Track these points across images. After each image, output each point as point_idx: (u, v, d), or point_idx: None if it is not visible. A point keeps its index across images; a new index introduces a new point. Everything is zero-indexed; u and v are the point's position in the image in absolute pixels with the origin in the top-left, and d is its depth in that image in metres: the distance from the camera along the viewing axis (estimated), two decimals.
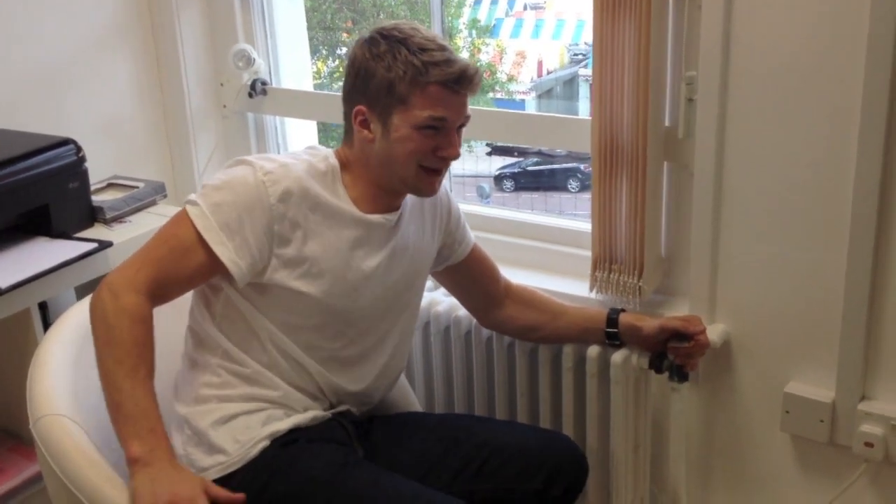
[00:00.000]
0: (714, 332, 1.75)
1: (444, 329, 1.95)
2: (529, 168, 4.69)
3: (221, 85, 2.40)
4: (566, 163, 4.33)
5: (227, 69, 2.35)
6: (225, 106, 2.41)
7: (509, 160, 4.54)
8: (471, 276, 1.76)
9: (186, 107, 2.37)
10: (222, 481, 1.43)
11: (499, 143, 4.12)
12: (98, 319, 1.40)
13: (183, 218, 1.44)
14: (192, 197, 1.46)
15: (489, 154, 4.27)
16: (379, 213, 1.54)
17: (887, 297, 1.60)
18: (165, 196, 2.17)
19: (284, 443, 1.48)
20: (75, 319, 1.62)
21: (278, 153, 2.45)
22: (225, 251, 1.43)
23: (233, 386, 1.51)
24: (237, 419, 1.49)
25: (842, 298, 1.62)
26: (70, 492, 1.40)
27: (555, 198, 4.86)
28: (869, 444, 1.65)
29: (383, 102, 1.47)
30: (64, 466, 1.41)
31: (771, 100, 1.60)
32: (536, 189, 4.71)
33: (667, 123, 1.73)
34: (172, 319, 1.59)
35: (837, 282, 1.61)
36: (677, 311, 1.81)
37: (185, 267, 1.44)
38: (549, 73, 4.40)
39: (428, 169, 1.50)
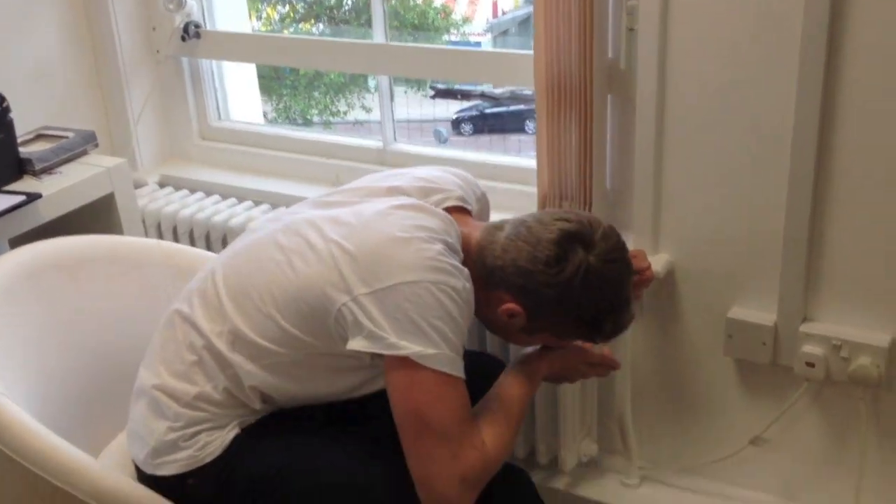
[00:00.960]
0: (658, 263, 1.78)
1: None
2: (487, 111, 4.67)
3: (154, 29, 2.32)
4: (511, 104, 4.33)
5: (159, 12, 2.28)
6: (158, 51, 2.34)
7: (454, 104, 4.52)
8: None
9: (117, 53, 2.29)
10: (189, 473, 1.43)
11: (442, 86, 4.10)
12: (488, 473, 1.38)
13: (446, 381, 1.32)
14: (428, 351, 1.30)
15: (433, 97, 4.25)
16: None
17: (827, 220, 1.63)
18: (97, 146, 2.10)
19: (252, 428, 1.46)
20: None
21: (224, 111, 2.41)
22: (463, 366, 1.37)
23: (240, 407, 1.45)
24: (228, 426, 1.45)
25: (783, 222, 1.65)
26: (13, 461, 1.40)
27: (513, 140, 4.86)
28: (810, 365, 1.70)
29: (543, 327, 1.46)
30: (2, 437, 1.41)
31: (712, 28, 1.61)
32: (495, 132, 4.70)
33: (610, 55, 1.73)
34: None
35: (779, 206, 1.64)
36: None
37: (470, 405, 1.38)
38: (504, 13, 4.36)
39: None
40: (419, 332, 1.30)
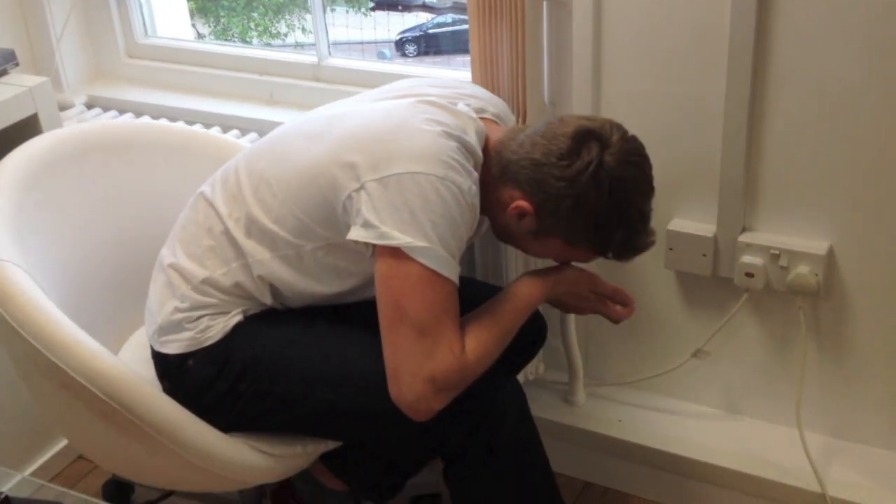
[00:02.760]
0: None
1: None
2: (431, 31, 4.57)
3: None
4: (455, 15, 4.23)
5: None
6: None
7: (397, 25, 4.41)
8: None
9: None
10: (190, 354, 1.44)
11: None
12: (457, 393, 1.33)
13: (432, 277, 1.28)
14: (418, 243, 1.27)
15: (372, 9, 4.13)
16: None
17: (765, 130, 1.61)
18: (17, 65, 2.00)
19: (255, 316, 1.45)
20: (13, 166, 1.59)
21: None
22: (457, 275, 1.33)
23: (248, 298, 1.44)
24: (231, 312, 1.45)
25: (721, 132, 1.62)
26: (17, 333, 1.40)
27: (458, 60, 4.75)
28: (749, 275, 1.69)
29: (553, 229, 1.38)
30: (9, 308, 1.41)
31: None
32: (440, 52, 4.61)
33: None
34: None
35: (717, 115, 1.61)
36: None
37: (458, 310, 1.34)
38: None
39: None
40: (414, 224, 1.27)
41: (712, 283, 1.77)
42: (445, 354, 1.29)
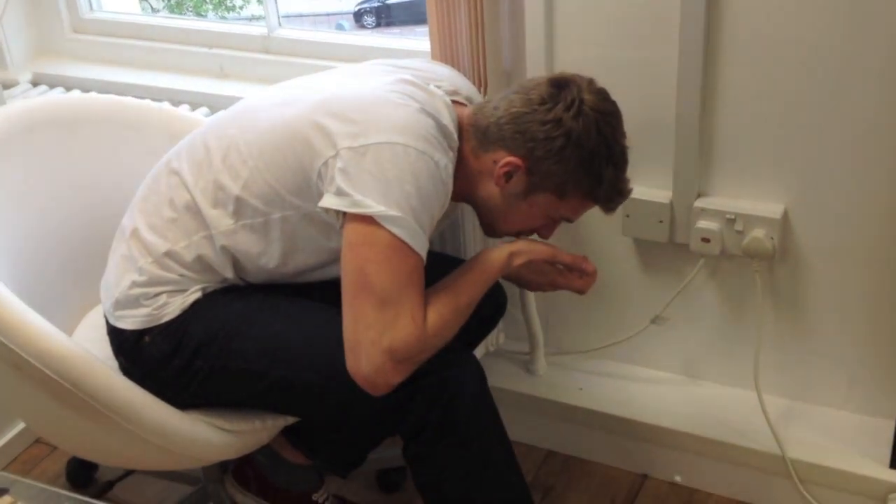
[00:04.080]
0: None
1: None
2: (389, 1, 4.52)
3: None
4: None
5: None
6: None
7: None
8: None
9: None
10: (146, 331, 1.41)
11: None
12: (414, 367, 1.30)
13: (401, 247, 1.26)
14: (391, 212, 1.24)
15: None
16: None
17: (718, 95, 1.60)
18: None
19: (213, 294, 1.43)
20: None
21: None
22: (426, 250, 1.31)
23: (208, 273, 1.42)
24: (190, 290, 1.42)
25: (674, 97, 1.61)
26: None
27: (418, 31, 4.69)
28: (706, 240, 1.69)
29: (545, 182, 1.36)
30: None
31: None
32: (399, 23, 4.56)
33: None
34: None
35: (670, 81, 1.61)
36: None
37: (423, 284, 1.31)
38: None
39: (518, 234, 1.46)
40: (389, 194, 1.25)
41: (669, 249, 1.78)
42: (407, 324, 1.26)
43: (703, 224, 1.68)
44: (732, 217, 1.66)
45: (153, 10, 3.16)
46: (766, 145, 1.61)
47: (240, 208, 1.37)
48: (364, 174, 1.26)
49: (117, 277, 1.44)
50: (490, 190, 1.40)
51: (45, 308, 1.43)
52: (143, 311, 1.41)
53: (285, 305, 1.44)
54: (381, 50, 1.98)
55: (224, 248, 1.39)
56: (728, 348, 1.85)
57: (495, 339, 1.99)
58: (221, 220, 1.38)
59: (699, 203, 1.69)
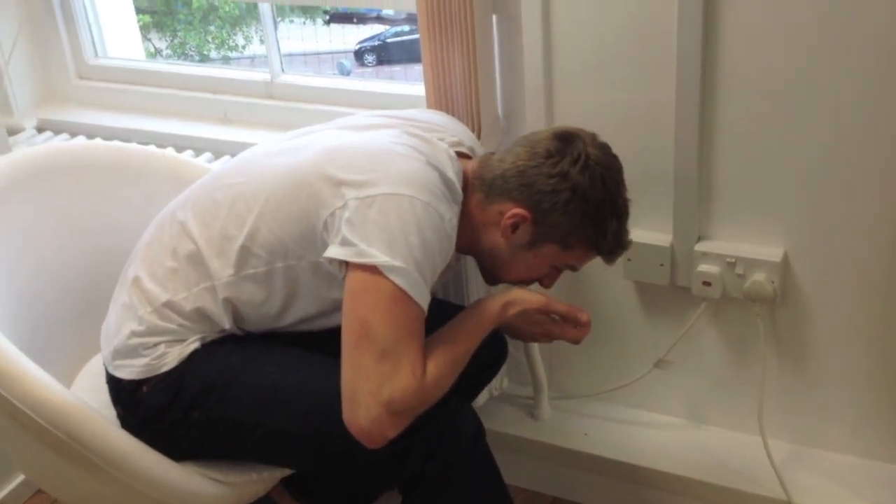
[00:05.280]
0: None
1: None
2: (389, 40, 4.57)
3: None
4: (411, 26, 4.24)
5: None
6: None
7: (349, 27, 4.41)
8: None
9: None
10: (144, 381, 1.41)
11: (334, 10, 3.98)
12: (419, 404, 1.30)
13: (403, 298, 1.26)
14: (395, 263, 1.25)
15: (327, 23, 4.13)
16: None
17: (716, 137, 1.60)
18: None
19: (212, 343, 1.43)
20: None
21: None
22: (427, 302, 1.32)
23: (207, 324, 1.42)
24: (188, 340, 1.42)
25: (673, 141, 1.61)
26: None
27: (417, 69, 4.72)
28: (707, 283, 1.68)
29: (551, 234, 1.38)
30: None
31: None
32: (399, 61, 4.61)
33: None
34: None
35: (669, 126, 1.61)
36: None
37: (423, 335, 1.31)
38: None
39: (521, 283, 1.48)
40: (393, 244, 1.26)
41: (671, 292, 1.77)
42: (406, 376, 1.25)
43: (704, 268, 1.68)
44: (733, 261, 1.65)
45: (156, 49, 3.21)
46: (764, 189, 1.61)
47: (243, 258, 1.38)
48: (370, 224, 1.26)
49: (117, 326, 1.44)
50: (496, 240, 1.40)
51: (45, 355, 1.43)
52: (142, 360, 1.41)
53: (282, 356, 1.44)
54: (384, 95, 2.00)
55: (226, 300, 1.40)
56: (732, 392, 1.83)
57: (499, 383, 1.97)
58: (224, 270, 1.38)
59: (700, 247, 1.68)
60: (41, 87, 2.32)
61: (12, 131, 2.17)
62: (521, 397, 2.01)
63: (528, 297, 1.43)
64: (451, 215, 1.33)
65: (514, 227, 1.38)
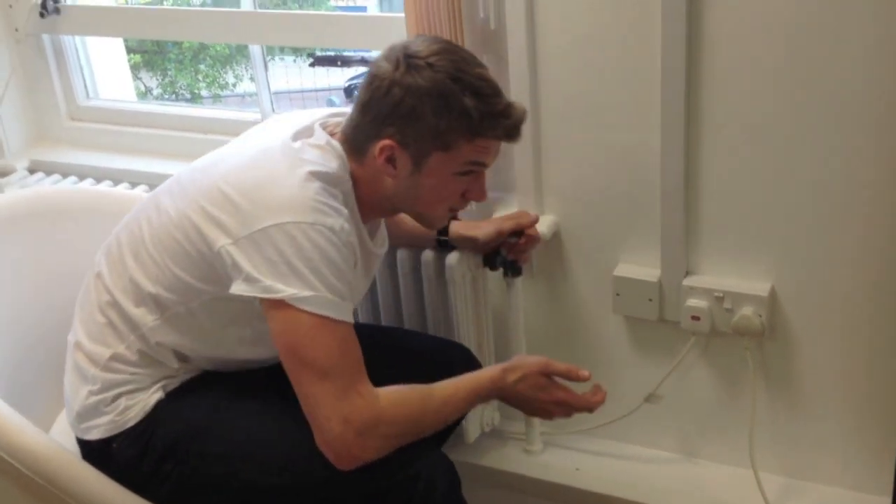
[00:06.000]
0: (543, 224, 1.75)
1: None
2: None
3: (10, 6, 2.21)
4: None
5: None
6: (17, 29, 2.22)
7: (334, 70, 4.44)
8: None
9: None
10: (110, 438, 1.41)
11: (319, 53, 4.01)
12: (386, 447, 1.31)
13: (323, 323, 1.27)
14: (304, 293, 1.26)
15: (312, 66, 4.15)
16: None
17: (702, 172, 1.62)
18: None
19: (175, 393, 1.43)
20: None
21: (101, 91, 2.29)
22: (351, 313, 1.32)
23: (156, 366, 1.43)
24: (148, 387, 1.43)
25: (659, 177, 1.63)
26: None
27: None
28: (696, 318, 1.69)
29: (422, 145, 1.35)
30: None
31: None
32: None
33: (481, 14, 1.68)
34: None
35: (654, 162, 1.63)
36: (511, 207, 1.80)
37: (359, 350, 1.32)
38: None
39: (452, 209, 1.46)
40: (295, 274, 1.26)
41: (660, 326, 1.78)
42: (353, 396, 1.28)
43: (693, 302, 1.69)
44: (721, 295, 1.66)
45: (146, 88, 3.22)
46: (751, 224, 1.63)
47: (159, 304, 1.39)
48: (265, 261, 1.27)
49: (73, 391, 1.45)
50: (390, 184, 1.39)
51: (24, 399, 1.43)
52: (106, 418, 1.41)
53: (250, 403, 1.44)
54: None
55: (159, 344, 1.40)
56: (723, 426, 1.83)
57: (491, 419, 1.97)
58: (146, 317, 1.40)
59: (687, 281, 1.69)
60: (33, 129, 2.34)
61: (4, 173, 2.18)
62: (512, 433, 2.01)
63: (527, 359, 1.44)
64: (340, 223, 1.31)
65: (391, 161, 1.36)
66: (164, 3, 3.23)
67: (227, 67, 4.23)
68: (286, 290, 1.26)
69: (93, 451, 1.43)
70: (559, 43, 1.63)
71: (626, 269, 1.75)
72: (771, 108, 1.53)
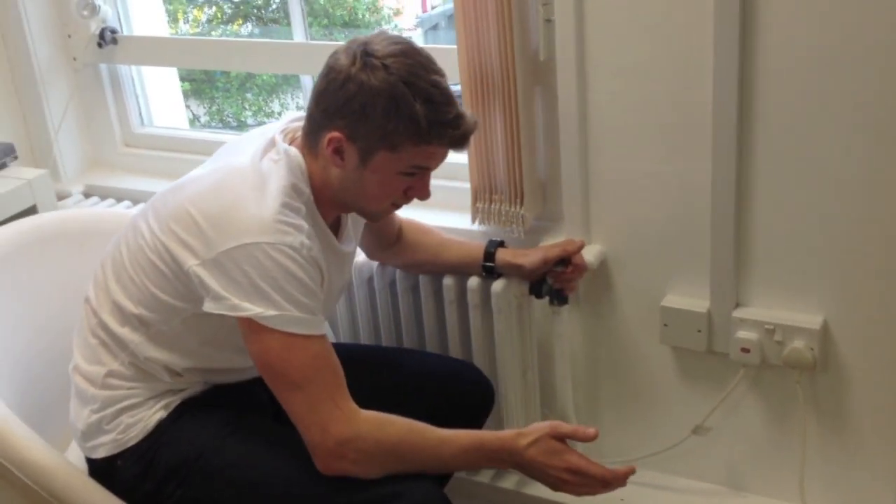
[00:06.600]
0: (590, 254, 1.75)
1: None
2: None
3: (69, 37, 2.26)
4: None
5: (73, 19, 2.22)
6: (75, 59, 2.28)
7: None
8: (378, 226, 1.72)
9: (33, 63, 2.23)
10: (115, 456, 1.44)
11: None
12: (370, 464, 1.36)
13: (292, 340, 1.32)
14: (269, 312, 1.30)
15: None
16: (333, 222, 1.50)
17: (753, 203, 1.61)
18: (16, 157, 2.06)
19: (178, 414, 1.46)
20: None
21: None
22: (322, 326, 1.37)
23: (151, 380, 1.46)
24: (146, 402, 1.46)
25: (709, 208, 1.63)
26: None
27: None
28: (745, 350, 1.68)
29: (370, 142, 1.36)
30: None
31: (627, 14, 1.58)
32: None
33: (534, 47, 1.69)
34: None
35: (704, 192, 1.62)
36: (558, 236, 1.80)
37: (335, 359, 1.37)
38: (433, 8, 4.31)
39: (395, 205, 1.48)
40: (259, 294, 1.30)
41: (708, 358, 1.76)
42: (330, 408, 1.32)
43: (743, 334, 1.68)
44: (771, 327, 1.65)
45: (194, 115, 3.27)
46: (803, 256, 1.61)
47: (142, 322, 1.44)
48: (230, 282, 1.31)
49: (77, 413, 1.49)
50: (336, 175, 1.40)
51: (42, 416, 1.47)
52: (109, 436, 1.45)
53: (254, 427, 1.46)
54: None
55: (148, 359, 1.44)
56: (772, 459, 1.81)
57: None
58: (132, 335, 1.44)
59: (737, 313, 1.68)
60: (89, 154, 2.39)
61: (59, 197, 2.23)
62: None
63: (537, 425, 1.42)
64: (301, 239, 1.33)
65: (338, 152, 1.38)
66: (213, 33, 3.30)
67: (273, 96, 4.29)
68: (252, 308, 1.30)
69: (99, 469, 1.47)
70: (609, 74, 1.64)
71: (674, 300, 1.74)
72: (825, 141, 1.52)
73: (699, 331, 1.73)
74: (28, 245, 1.71)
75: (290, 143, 1.44)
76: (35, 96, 2.26)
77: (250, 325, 1.32)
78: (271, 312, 1.30)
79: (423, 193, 1.46)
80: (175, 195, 1.42)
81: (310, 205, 1.41)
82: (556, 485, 1.43)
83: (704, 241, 1.66)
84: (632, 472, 1.43)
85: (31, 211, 2.00)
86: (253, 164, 1.39)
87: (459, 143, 1.39)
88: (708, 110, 1.56)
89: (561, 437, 1.42)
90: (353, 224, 1.58)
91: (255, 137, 1.48)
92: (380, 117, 1.33)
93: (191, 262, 1.34)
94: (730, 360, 1.72)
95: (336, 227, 1.52)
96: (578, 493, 1.45)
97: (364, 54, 1.34)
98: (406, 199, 1.46)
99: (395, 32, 1.41)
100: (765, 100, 1.53)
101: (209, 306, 1.33)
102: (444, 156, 1.42)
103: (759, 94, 1.53)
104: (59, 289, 1.71)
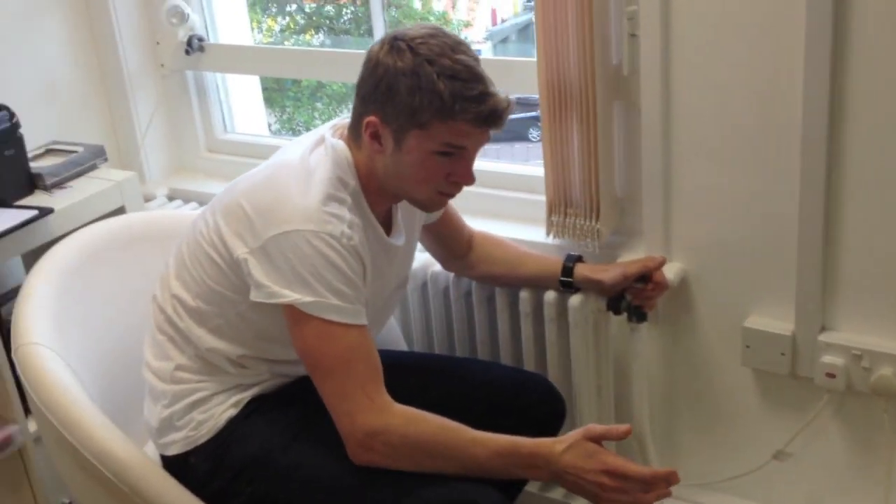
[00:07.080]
0: (671, 271, 1.72)
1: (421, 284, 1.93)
2: None
3: (157, 43, 2.32)
4: (518, 111, 4.30)
5: (162, 27, 2.27)
6: (163, 65, 2.33)
7: None
8: (440, 231, 1.73)
9: (123, 68, 2.28)
10: (188, 453, 1.48)
11: None
12: (399, 458, 1.37)
13: (329, 328, 1.35)
14: (306, 299, 1.33)
15: None
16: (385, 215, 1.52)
17: (842, 226, 1.57)
18: (106, 160, 2.12)
19: (248, 412, 1.49)
20: (60, 255, 1.68)
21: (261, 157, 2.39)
22: (362, 317, 1.39)
23: (218, 373, 1.50)
24: (215, 397, 1.50)
25: (796, 229, 1.58)
26: (40, 411, 1.48)
27: (518, 147, 4.81)
28: (831, 375, 1.63)
29: (400, 122, 1.38)
30: (38, 390, 1.48)
31: (714, 30, 1.55)
32: (499, 140, 4.67)
33: (615, 61, 1.67)
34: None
35: (791, 212, 1.58)
36: (635, 252, 1.77)
37: (372, 351, 1.40)
38: (503, 21, 4.29)
39: (442, 192, 1.47)
40: (299, 280, 1.34)
41: (791, 382, 1.71)
42: (361, 398, 1.34)
43: (828, 359, 1.63)
44: (859, 353, 1.59)
45: (269, 126, 3.31)
46: (893, 280, 1.56)
47: (201, 316, 1.48)
48: (273, 268, 1.35)
49: (149, 410, 1.54)
50: (379, 163, 1.43)
51: (123, 414, 1.52)
52: (181, 433, 1.48)
53: (324, 426, 1.44)
54: (498, 175, 2.02)
55: (210, 351, 1.48)
56: (855, 489, 1.75)
57: None
58: (194, 330, 1.48)
59: (823, 337, 1.63)
60: (174, 159, 2.44)
61: (145, 199, 2.28)
62: None
63: (571, 433, 1.40)
64: (342, 228, 1.36)
65: (376, 137, 1.40)
66: (286, 42, 3.33)
67: (343, 106, 4.33)
68: (291, 295, 1.34)
69: (172, 465, 1.50)
70: (694, 90, 1.61)
71: (757, 321, 1.70)
72: None
73: (783, 354, 1.68)
74: (117, 243, 1.77)
75: (339, 138, 1.47)
76: (124, 101, 2.32)
77: (291, 313, 1.36)
78: (309, 299, 1.33)
79: (466, 177, 1.44)
80: (231, 192, 1.47)
81: (356, 196, 1.43)
82: (596, 494, 1.38)
83: (790, 262, 1.62)
84: (673, 474, 1.35)
85: (120, 212, 2.05)
86: (302, 159, 1.43)
87: (489, 120, 1.38)
88: (796, 128, 1.52)
89: (596, 439, 1.40)
90: (406, 219, 1.58)
91: (308, 136, 1.52)
92: (405, 95, 1.36)
93: (240, 251, 1.38)
94: (814, 384, 1.67)
95: (388, 221, 1.54)
96: (603, 501, 1.38)
97: (393, 39, 1.39)
98: (450, 185, 1.46)
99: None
100: (856, 121, 1.49)
101: (253, 294, 1.37)
102: (478, 136, 1.41)
103: (849, 115, 1.49)
104: (143, 287, 1.73)
